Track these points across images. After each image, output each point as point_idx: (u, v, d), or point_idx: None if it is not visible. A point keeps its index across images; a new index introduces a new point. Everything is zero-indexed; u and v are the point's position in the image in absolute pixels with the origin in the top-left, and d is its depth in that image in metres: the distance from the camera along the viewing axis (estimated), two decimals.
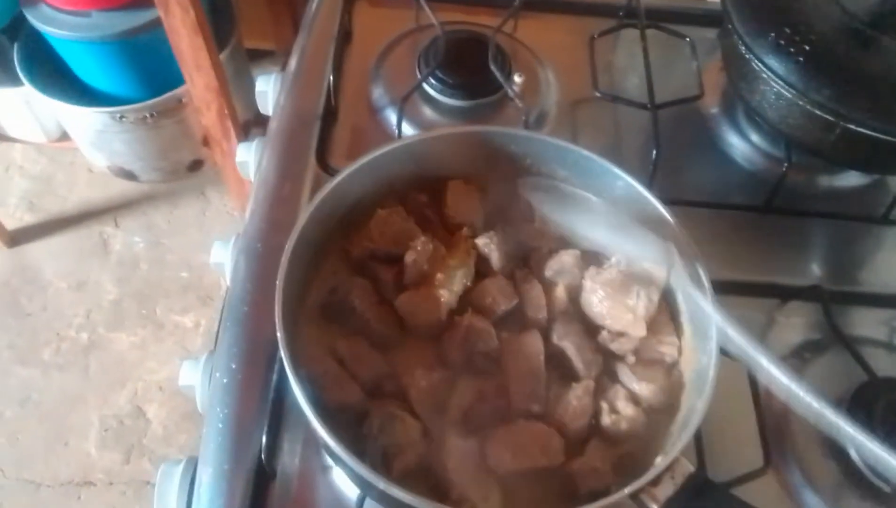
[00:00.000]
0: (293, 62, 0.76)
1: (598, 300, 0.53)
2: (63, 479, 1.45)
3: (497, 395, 0.50)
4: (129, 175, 1.63)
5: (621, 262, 0.54)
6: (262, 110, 0.80)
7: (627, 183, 0.54)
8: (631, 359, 0.52)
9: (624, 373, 0.52)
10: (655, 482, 0.43)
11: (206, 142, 1.45)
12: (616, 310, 0.52)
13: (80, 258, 1.72)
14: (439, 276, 0.52)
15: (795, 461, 0.58)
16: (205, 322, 1.63)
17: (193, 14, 1.10)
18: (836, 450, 0.58)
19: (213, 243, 0.70)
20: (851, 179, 0.74)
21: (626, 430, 0.49)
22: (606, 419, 0.49)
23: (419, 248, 0.53)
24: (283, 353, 0.44)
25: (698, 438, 0.54)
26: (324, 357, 0.50)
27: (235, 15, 1.57)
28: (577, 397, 0.50)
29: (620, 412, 0.49)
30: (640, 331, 0.51)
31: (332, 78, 0.73)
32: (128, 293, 1.67)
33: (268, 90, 0.79)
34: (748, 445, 0.56)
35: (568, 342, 0.51)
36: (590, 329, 0.53)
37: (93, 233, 1.75)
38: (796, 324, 0.65)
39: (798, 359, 0.63)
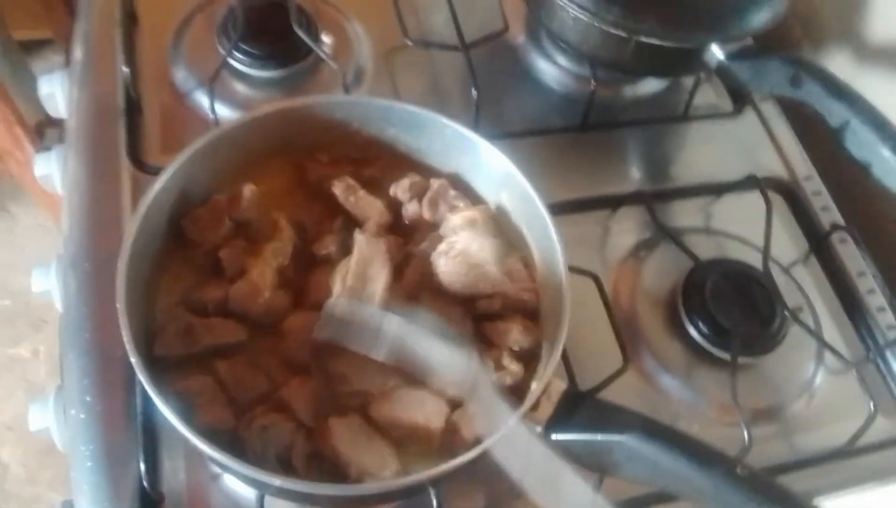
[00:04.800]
0: (78, 56, 0.69)
1: (448, 270, 0.53)
2: None
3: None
4: None
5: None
6: (52, 114, 0.73)
7: (456, 130, 0.55)
8: (498, 313, 0.53)
9: (496, 330, 0.52)
10: (534, 407, 0.46)
11: None
12: (469, 270, 0.52)
13: None
14: (250, 260, 0.51)
15: (649, 351, 0.64)
16: (44, 348, 1.49)
17: None
18: (678, 331, 0.65)
19: (32, 270, 0.63)
20: (651, 86, 0.80)
21: (510, 384, 0.50)
22: (492, 377, 0.50)
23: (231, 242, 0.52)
24: (143, 381, 0.42)
25: (565, 356, 0.57)
26: (200, 376, 0.47)
27: None
28: None
29: (506, 367, 0.51)
30: (498, 276, 0.53)
31: (125, 68, 0.67)
32: None
33: (54, 91, 0.71)
34: (608, 348, 0.61)
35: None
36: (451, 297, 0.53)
37: None
38: (628, 228, 0.71)
39: (635, 259, 0.69)
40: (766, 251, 0.68)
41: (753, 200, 0.73)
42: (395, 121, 0.56)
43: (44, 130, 1.40)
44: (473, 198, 0.58)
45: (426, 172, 0.58)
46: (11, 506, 1.35)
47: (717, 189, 0.75)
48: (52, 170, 0.67)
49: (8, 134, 1.19)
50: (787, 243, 0.73)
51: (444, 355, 0.47)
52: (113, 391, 0.52)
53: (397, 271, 0.53)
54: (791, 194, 0.77)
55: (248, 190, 0.53)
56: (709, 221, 0.73)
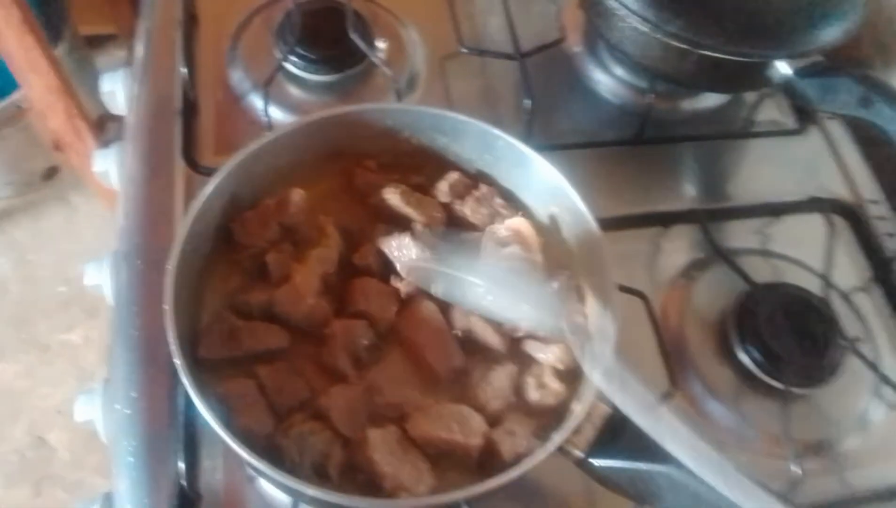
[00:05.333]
0: (139, 54, 0.71)
1: None
2: None
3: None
4: None
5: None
6: (112, 111, 0.75)
7: (507, 142, 0.54)
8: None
9: (537, 347, 0.52)
10: (577, 430, 0.45)
11: (58, 147, 1.34)
12: None
13: None
14: (295, 266, 0.51)
15: (697, 376, 0.62)
16: (96, 335, 1.53)
17: (18, 11, 0.99)
18: (728, 357, 0.63)
19: (86, 264, 0.65)
20: (711, 100, 0.78)
21: (552, 404, 0.49)
22: (534, 394, 0.50)
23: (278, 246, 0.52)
24: (186, 384, 0.42)
25: None
26: (242, 379, 0.48)
27: (65, 1, 1.43)
28: (498, 379, 0.50)
29: (548, 386, 0.50)
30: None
31: (184, 68, 0.68)
32: (1, 320, 1.54)
33: (116, 89, 0.73)
34: (654, 371, 0.59)
35: (474, 319, 0.51)
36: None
37: None
38: (680, 247, 0.69)
39: (686, 279, 0.67)
40: (826, 277, 0.66)
41: (815, 222, 0.70)
42: (446, 130, 0.56)
43: (105, 123, 1.44)
44: (522, 210, 0.57)
45: (476, 182, 0.58)
46: (57, 490, 1.39)
47: (777, 210, 0.72)
48: (109, 166, 0.69)
49: (70, 127, 1.23)
50: (849, 270, 0.70)
51: (537, 292, 0.50)
52: (157, 389, 0.53)
53: None
54: (855, 217, 0.73)
55: (297, 195, 0.54)
56: (766, 243, 0.71)
